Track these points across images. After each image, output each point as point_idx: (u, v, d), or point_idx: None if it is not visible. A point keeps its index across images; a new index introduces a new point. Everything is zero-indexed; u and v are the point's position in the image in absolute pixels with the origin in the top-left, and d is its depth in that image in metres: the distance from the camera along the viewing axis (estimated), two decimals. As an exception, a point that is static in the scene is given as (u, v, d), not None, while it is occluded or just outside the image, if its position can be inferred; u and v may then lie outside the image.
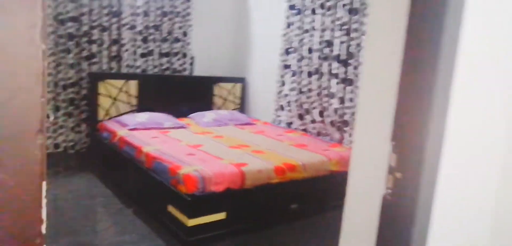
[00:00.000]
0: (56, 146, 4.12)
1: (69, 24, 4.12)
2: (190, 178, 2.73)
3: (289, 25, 4.49)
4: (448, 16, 0.94)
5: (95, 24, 4.25)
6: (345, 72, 3.88)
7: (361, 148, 1.18)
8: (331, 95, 4.04)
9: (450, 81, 0.98)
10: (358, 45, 3.77)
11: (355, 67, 3.81)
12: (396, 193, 1.04)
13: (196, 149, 3.40)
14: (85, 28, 4.19)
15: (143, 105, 4.44)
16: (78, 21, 4.17)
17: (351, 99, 3.84)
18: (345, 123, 3.92)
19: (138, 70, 4.60)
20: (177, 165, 2.93)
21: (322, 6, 4.08)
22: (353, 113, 3.84)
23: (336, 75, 3.96)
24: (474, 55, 1.02)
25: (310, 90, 4.27)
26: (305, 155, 3.41)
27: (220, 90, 5.05)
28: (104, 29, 4.32)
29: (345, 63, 3.88)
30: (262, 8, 5.04)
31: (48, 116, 1.29)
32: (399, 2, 1.02)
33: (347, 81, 3.86)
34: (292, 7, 4.44)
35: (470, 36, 0.98)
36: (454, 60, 0.97)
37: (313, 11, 4.18)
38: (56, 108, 4.09)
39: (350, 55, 3.84)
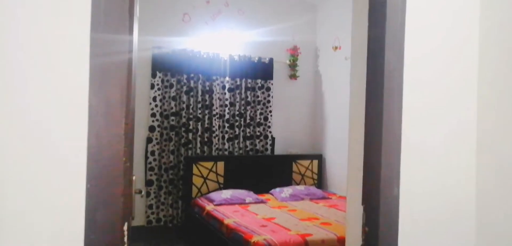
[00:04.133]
0: (158, 220, 4.91)
1: (172, 118, 5.05)
2: (259, 245, 3.15)
3: (358, 104, 4.83)
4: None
5: (191, 116, 5.12)
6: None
7: (350, 210, 1.52)
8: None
9: (398, 167, 1.33)
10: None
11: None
12: (367, 242, 1.36)
13: (269, 222, 3.82)
14: (183, 120, 5.08)
15: (229, 183, 5.07)
16: (178, 115, 5.09)
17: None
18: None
19: (226, 152, 5.30)
20: (250, 235, 3.38)
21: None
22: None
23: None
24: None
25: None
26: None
27: (298, 167, 5.48)
28: (198, 119, 5.17)
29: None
30: (334, 92, 5.50)
31: (140, 192, 1.89)
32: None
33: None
34: (359, 88, 4.81)
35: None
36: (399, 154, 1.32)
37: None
38: (159, 188, 4.93)
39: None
